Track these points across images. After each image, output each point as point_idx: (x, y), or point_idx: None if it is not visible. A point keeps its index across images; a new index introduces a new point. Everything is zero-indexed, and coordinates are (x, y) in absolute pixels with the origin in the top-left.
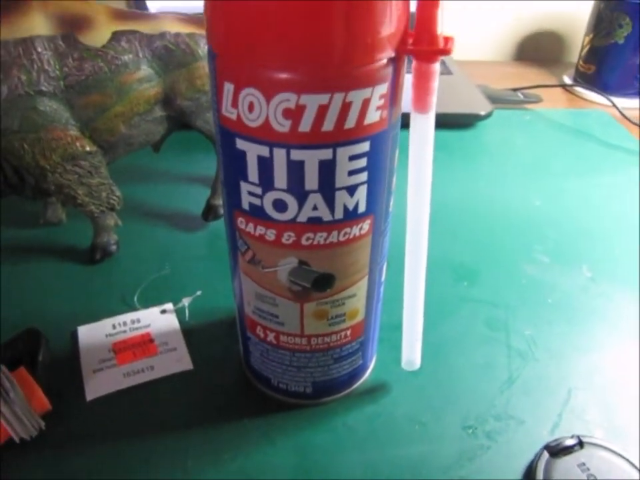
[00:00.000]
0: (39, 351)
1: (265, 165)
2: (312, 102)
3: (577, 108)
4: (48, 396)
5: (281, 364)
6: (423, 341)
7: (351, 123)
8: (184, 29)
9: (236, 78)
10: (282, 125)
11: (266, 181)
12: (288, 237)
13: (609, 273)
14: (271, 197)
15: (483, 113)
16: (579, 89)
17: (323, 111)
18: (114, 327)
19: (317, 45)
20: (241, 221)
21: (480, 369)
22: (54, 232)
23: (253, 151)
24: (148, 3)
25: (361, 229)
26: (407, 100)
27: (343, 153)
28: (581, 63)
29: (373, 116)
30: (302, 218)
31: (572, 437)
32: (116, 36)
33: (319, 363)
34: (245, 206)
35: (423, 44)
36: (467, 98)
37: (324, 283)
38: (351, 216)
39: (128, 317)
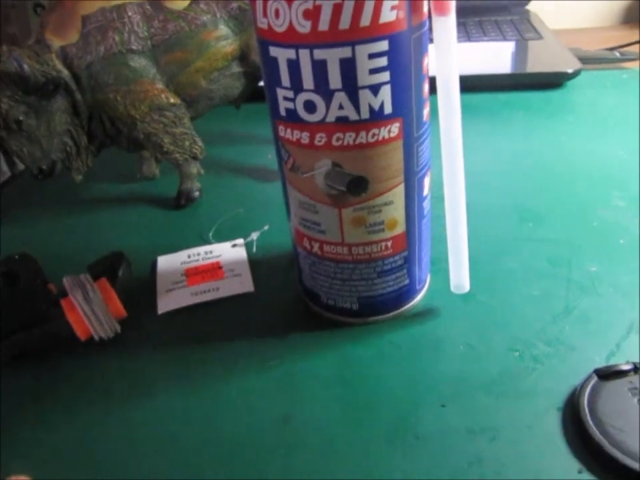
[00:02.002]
0: (119, 268)
1: (294, 68)
2: (327, 1)
3: None
4: (125, 307)
5: (327, 277)
6: (479, 273)
7: (366, 21)
8: None
9: None
10: (303, 26)
11: (296, 83)
12: (320, 139)
13: None
14: (301, 99)
15: (570, 70)
16: None
17: (338, 9)
18: (189, 256)
19: None
20: (281, 129)
21: (535, 299)
22: (148, 185)
23: (282, 56)
24: None
25: (389, 131)
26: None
27: (362, 50)
28: None
29: (388, 15)
30: (330, 118)
31: (627, 363)
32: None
33: (362, 276)
34: (282, 112)
35: None
36: (554, 58)
37: (358, 186)
38: (378, 116)
39: (202, 249)
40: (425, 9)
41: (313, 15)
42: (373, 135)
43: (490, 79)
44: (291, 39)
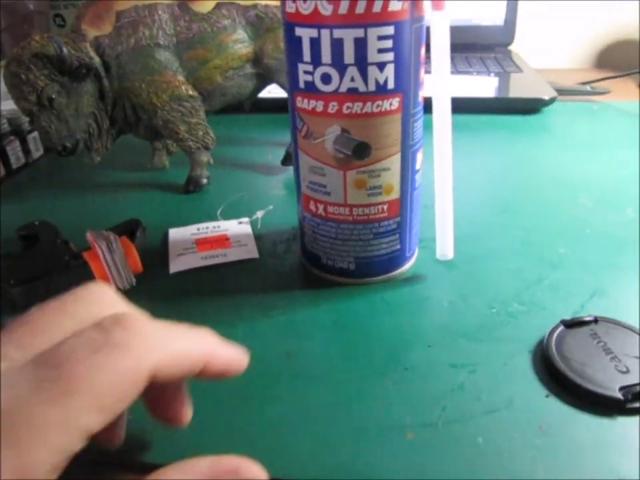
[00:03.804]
0: (137, 230)
1: (315, 45)
2: None
3: None
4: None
5: (328, 237)
6: (461, 250)
7: (377, 7)
8: (272, 2)
9: None
10: (326, 9)
11: (316, 58)
12: (332, 107)
13: None
14: (319, 71)
15: (546, 97)
16: None
17: None
18: (198, 229)
19: None
20: (298, 100)
21: (511, 271)
22: (158, 174)
23: (306, 35)
24: None
25: (391, 104)
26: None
27: (372, 32)
28: None
29: (395, 4)
30: (343, 88)
31: (589, 315)
32: (218, 5)
33: (360, 237)
34: (301, 84)
35: None
36: (532, 86)
37: (362, 150)
38: (382, 90)
39: (210, 224)
40: (424, 5)
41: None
42: (377, 105)
43: (474, 102)
44: (314, 20)
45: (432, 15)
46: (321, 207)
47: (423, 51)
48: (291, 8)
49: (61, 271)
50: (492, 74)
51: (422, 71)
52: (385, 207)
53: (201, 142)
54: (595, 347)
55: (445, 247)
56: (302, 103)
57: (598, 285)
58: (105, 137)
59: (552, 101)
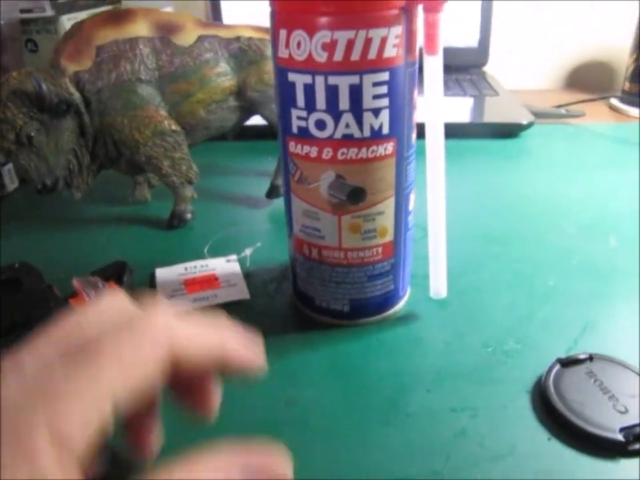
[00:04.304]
0: (124, 274)
1: (309, 91)
2: (342, 37)
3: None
4: None
5: (322, 280)
6: (454, 285)
7: (372, 54)
8: (255, 35)
9: (288, 24)
10: (321, 56)
11: (310, 104)
12: (327, 153)
13: (636, 243)
14: (313, 117)
15: (524, 122)
16: (624, 107)
17: (350, 44)
18: (185, 269)
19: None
20: (291, 145)
21: (503, 306)
22: (140, 208)
23: (300, 81)
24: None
25: (385, 149)
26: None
27: (368, 79)
28: (626, 83)
29: (390, 51)
30: (337, 135)
31: (583, 353)
32: (200, 39)
33: (354, 279)
34: (295, 130)
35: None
36: (510, 111)
37: (357, 195)
38: (377, 135)
39: (198, 262)
40: (418, 49)
41: (330, 47)
42: (372, 151)
43: (454, 127)
44: (309, 67)
45: (425, 59)
46: (315, 251)
47: (415, 93)
48: (283, 53)
49: (47, 318)
50: (469, 97)
51: (415, 114)
52: (380, 249)
53: (184, 177)
54: (592, 386)
55: (439, 286)
56: (295, 148)
57: (589, 317)
58: (86, 173)
59: (530, 125)
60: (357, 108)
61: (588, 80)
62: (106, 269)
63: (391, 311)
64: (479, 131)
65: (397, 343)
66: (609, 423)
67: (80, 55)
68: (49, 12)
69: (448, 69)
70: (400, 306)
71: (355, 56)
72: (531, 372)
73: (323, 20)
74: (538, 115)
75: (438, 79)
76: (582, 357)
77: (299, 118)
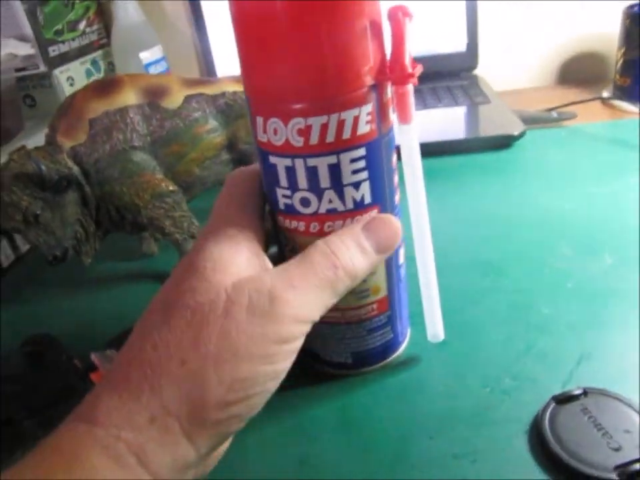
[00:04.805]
0: None
1: (291, 173)
2: (316, 122)
3: (613, 119)
4: None
5: (323, 338)
6: (451, 322)
7: (347, 134)
8: (239, 88)
9: (264, 112)
10: (297, 141)
11: (292, 184)
12: (314, 227)
13: (631, 259)
14: (298, 196)
15: (515, 133)
16: (616, 102)
17: (324, 127)
18: None
19: (315, 85)
20: (280, 219)
21: (500, 342)
22: (148, 262)
23: (281, 163)
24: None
25: (369, 215)
26: None
27: (345, 157)
28: (617, 76)
29: (364, 128)
30: (322, 210)
31: (578, 388)
32: (187, 99)
33: (354, 335)
34: (282, 206)
35: (395, 73)
36: (502, 121)
37: None
38: (359, 206)
39: None
40: (391, 118)
41: (304, 133)
42: (357, 220)
43: (445, 145)
44: (287, 151)
45: (399, 129)
46: None
47: (394, 158)
48: (262, 137)
49: (71, 396)
50: (460, 106)
51: (395, 177)
52: (375, 305)
53: (186, 233)
54: (587, 423)
55: (436, 329)
56: (284, 222)
57: (584, 348)
58: (93, 240)
59: (522, 135)
60: (337, 184)
61: (580, 72)
62: (120, 338)
63: (393, 357)
64: (470, 145)
65: (400, 389)
66: (604, 461)
67: (74, 130)
68: (42, 68)
69: (439, 75)
70: (401, 350)
71: (330, 138)
72: (528, 410)
73: (296, 108)
74: (529, 121)
75: (414, 147)
76: (576, 392)
77: (284, 196)
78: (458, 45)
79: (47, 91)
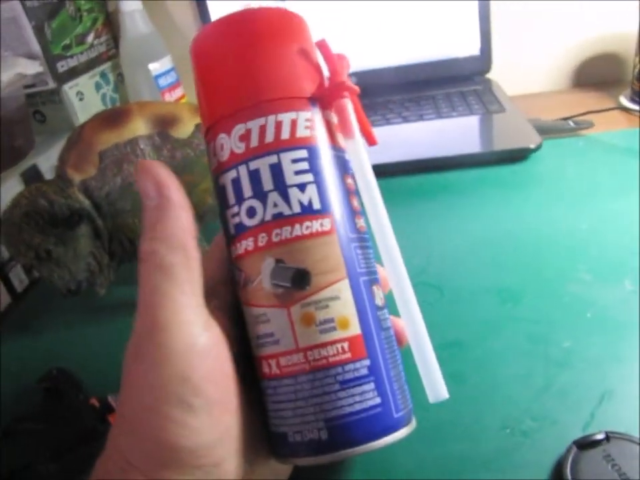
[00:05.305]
0: None
1: (236, 185)
2: (255, 125)
3: (631, 127)
4: None
5: (288, 401)
6: (468, 356)
7: (285, 134)
8: None
9: (213, 135)
10: (239, 147)
11: (238, 196)
12: (262, 239)
13: None
14: (244, 207)
15: (532, 146)
16: (635, 108)
17: (263, 129)
18: None
19: (252, 91)
20: (233, 249)
21: (519, 378)
22: None
23: (228, 179)
24: None
25: (322, 224)
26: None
27: (285, 156)
28: (635, 82)
29: (303, 131)
30: (268, 216)
31: (600, 432)
32: (198, 127)
33: (324, 389)
34: (232, 231)
35: (332, 88)
36: (517, 133)
37: (301, 278)
38: (308, 210)
39: None
40: (341, 140)
41: (245, 137)
42: (307, 227)
43: (459, 159)
44: (231, 161)
45: (346, 142)
46: (273, 363)
47: (349, 180)
48: (213, 163)
49: (90, 439)
50: (474, 115)
51: (353, 201)
52: (345, 345)
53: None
54: (610, 472)
55: (436, 389)
56: (235, 251)
57: (605, 385)
58: (107, 271)
59: (538, 147)
60: (280, 185)
61: (596, 75)
62: None
63: (387, 439)
64: (486, 159)
65: (417, 428)
66: None
67: (84, 164)
68: (52, 84)
69: (452, 80)
70: (402, 434)
71: (269, 138)
72: (549, 454)
73: (237, 116)
74: (545, 131)
75: (363, 162)
76: (599, 437)
77: (233, 215)
78: (471, 48)
79: (57, 106)
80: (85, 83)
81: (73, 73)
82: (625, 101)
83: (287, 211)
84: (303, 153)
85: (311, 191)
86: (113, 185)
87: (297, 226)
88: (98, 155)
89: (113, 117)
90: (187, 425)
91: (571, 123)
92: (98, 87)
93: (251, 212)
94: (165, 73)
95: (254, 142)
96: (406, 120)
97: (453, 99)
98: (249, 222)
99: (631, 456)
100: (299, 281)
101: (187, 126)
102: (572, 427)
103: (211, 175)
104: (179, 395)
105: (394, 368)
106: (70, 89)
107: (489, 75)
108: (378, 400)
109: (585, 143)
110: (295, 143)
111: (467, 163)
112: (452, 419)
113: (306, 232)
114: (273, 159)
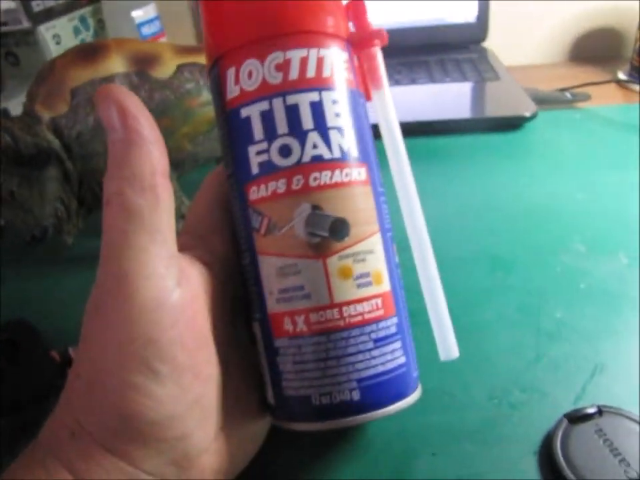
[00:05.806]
0: None
1: (268, 118)
2: (295, 55)
3: (629, 103)
4: None
5: (318, 360)
6: (456, 325)
7: (327, 72)
8: None
9: (237, 59)
10: (275, 78)
11: (270, 132)
12: (297, 182)
13: None
14: (276, 145)
15: (527, 114)
16: (632, 84)
17: (304, 62)
18: None
19: (294, 17)
20: (253, 191)
21: (509, 349)
22: None
23: (255, 111)
24: None
25: (359, 173)
26: None
27: (327, 96)
28: (635, 57)
29: (343, 72)
30: (306, 158)
31: (592, 406)
32: (180, 68)
33: (359, 347)
34: (255, 170)
35: (365, 34)
36: (512, 101)
37: (340, 227)
38: (347, 157)
39: None
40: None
41: (284, 66)
42: (347, 174)
43: (451, 123)
44: (263, 92)
45: (373, 96)
46: (301, 320)
47: (371, 133)
48: (233, 93)
49: (49, 394)
50: (468, 82)
51: (375, 153)
52: (379, 301)
53: (177, 212)
54: (602, 447)
55: (448, 347)
56: (257, 193)
57: (597, 358)
58: (75, 218)
59: (534, 116)
60: (321, 125)
61: (594, 49)
62: None
63: (412, 397)
64: (479, 126)
65: None
66: None
67: (55, 100)
68: (26, 24)
69: (447, 46)
70: (417, 394)
71: (311, 73)
72: (538, 427)
73: (273, 42)
74: (541, 101)
75: (389, 114)
76: (590, 411)
77: (259, 153)
78: (468, 15)
79: (31, 48)
80: (63, 25)
81: (50, 14)
82: (623, 77)
83: (327, 155)
84: (343, 95)
85: (350, 136)
86: (85, 124)
87: (337, 172)
88: (70, 91)
89: (88, 52)
90: (151, 393)
91: (568, 95)
92: (77, 31)
93: (285, 151)
94: (148, 22)
95: (293, 74)
96: (397, 83)
97: (446, 65)
98: (281, 162)
99: (623, 431)
100: (338, 230)
101: (168, 66)
102: (563, 400)
103: (222, 107)
104: (142, 359)
105: (409, 330)
106: (47, 31)
107: (485, 45)
108: (404, 359)
109: (581, 116)
110: (335, 83)
111: (459, 129)
112: (437, 388)
113: (345, 179)
114: (314, 95)
